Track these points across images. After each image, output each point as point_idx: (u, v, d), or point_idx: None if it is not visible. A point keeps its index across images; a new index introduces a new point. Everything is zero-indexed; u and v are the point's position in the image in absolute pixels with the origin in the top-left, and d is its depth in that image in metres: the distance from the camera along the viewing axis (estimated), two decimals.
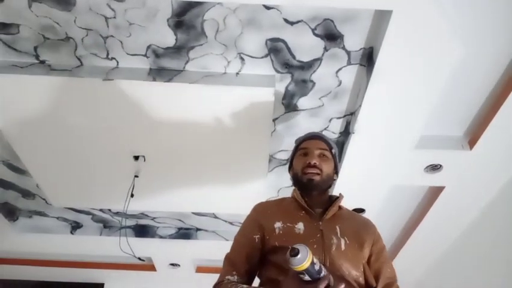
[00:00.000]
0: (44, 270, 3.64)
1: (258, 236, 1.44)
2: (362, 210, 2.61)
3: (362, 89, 1.90)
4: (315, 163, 1.51)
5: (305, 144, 1.62)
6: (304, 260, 1.07)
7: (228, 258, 1.45)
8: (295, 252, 1.07)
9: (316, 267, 1.12)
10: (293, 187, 1.61)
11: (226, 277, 1.37)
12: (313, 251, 1.20)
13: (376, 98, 1.89)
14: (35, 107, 1.99)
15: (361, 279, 1.37)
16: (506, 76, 1.86)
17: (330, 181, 1.57)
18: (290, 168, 1.69)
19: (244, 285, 1.33)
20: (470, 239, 2.81)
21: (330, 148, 1.63)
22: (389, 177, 2.38)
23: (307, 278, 1.12)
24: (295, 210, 1.49)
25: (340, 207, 1.54)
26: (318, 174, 1.50)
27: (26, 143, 2.20)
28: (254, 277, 1.44)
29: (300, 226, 1.41)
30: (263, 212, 1.52)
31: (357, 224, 1.53)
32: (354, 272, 1.35)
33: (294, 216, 1.46)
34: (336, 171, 1.63)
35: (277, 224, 1.43)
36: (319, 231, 1.40)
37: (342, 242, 1.39)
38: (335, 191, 2.41)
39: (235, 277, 1.37)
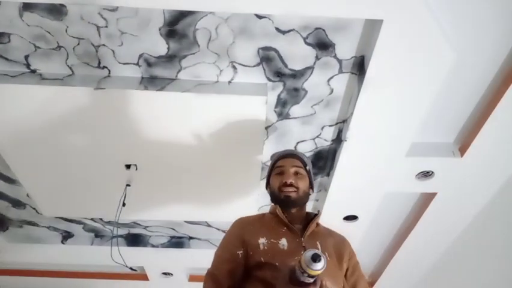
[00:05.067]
0: (35, 280, 3.59)
1: (241, 251, 1.44)
2: (354, 217, 2.62)
3: (354, 97, 1.92)
4: (291, 182, 1.58)
5: (280, 163, 1.68)
6: (323, 268, 1.12)
7: (211, 274, 1.45)
8: (319, 259, 1.11)
9: None
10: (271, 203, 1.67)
11: None
12: None
13: (367, 105, 1.90)
14: (26, 116, 1.97)
15: None
16: (496, 83, 1.88)
17: (306, 197, 1.63)
18: (267, 185, 1.74)
19: None
20: (462, 244, 2.83)
21: (305, 165, 1.69)
22: (381, 184, 2.39)
23: (308, 281, 1.16)
24: (277, 226, 1.52)
25: (317, 224, 1.60)
26: (294, 191, 1.57)
27: (16, 152, 2.18)
28: None
29: (284, 242, 1.45)
30: (245, 227, 1.54)
31: (335, 240, 1.59)
32: (336, 286, 1.40)
33: (276, 232, 1.49)
34: (311, 186, 1.69)
35: (262, 240, 1.44)
36: (302, 248, 1.43)
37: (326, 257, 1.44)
38: (327, 199, 2.42)
39: None
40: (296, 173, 1.64)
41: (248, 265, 1.42)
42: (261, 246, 1.42)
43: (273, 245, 1.43)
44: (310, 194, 1.68)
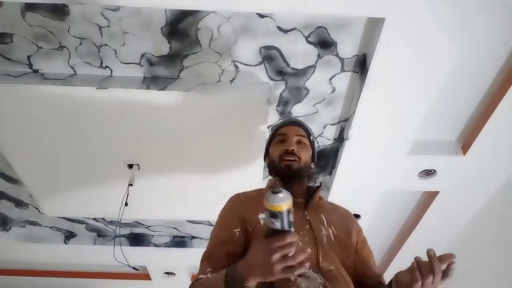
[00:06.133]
0: (37, 280, 3.60)
1: (239, 229, 1.29)
2: (357, 216, 2.61)
3: (356, 95, 1.92)
4: (293, 150, 1.45)
5: (283, 131, 1.55)
6: (284, 201, 0.97)
7: (207, 257, 1.29)
8: (277, 190, 0.97)
9: (291, 218, 1.00)
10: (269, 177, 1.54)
11: (200, 276, 1.22)
12: (304, 244, 1.16)
13: (369, 104, 1.90)
14: (29, 116, 1.98)
15: (352, 269, 1.31)
16: (498, 81, 1.88)
17: (308, 169, 1.50)
18: (266, 156, 1.62)
19: (213, 274, 1.17)
20: (464, 242, 2.82)
21: (309, 135, 1.57)
22: (383, 183, 2.39)
23: (277, 225, 0.98)
24: None
25: (320, 198, 1.47)
26: (296, 161, 1.44)
27: (19, 152, 2.19)
28: None
29: None
30: (243, 203, 1.38)
31: (340, 215, 1.48)
32: (347, 262, 1.28)
33: None
34: (313, 159, 1.57)
35: (262, 215, 1.29)
36: (307, 222, 1.32)
37: (331, 232, 1.32)
38: (330, 198, 2.42)
39: (209, 275, 1.20)
40: (299, 142, 1.50)
41: (249, 243, 1.21)
42: (262, 222, 1.27)
43: None
44: (312, 168, 1.56)
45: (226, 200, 1.46)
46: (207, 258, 1.28)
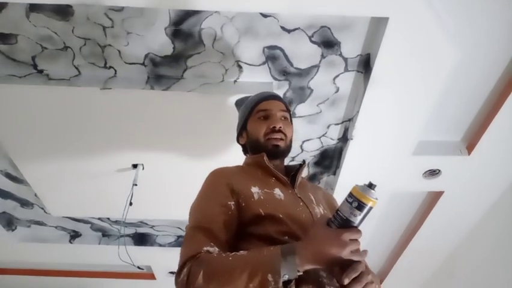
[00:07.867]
0: (42, 279, 3.62)
1: (233, 203, 1.17)
2: None
3: (360, 95, 1.91)
4: (280, 127, 1.38)
5: (265, 106, 1.46)
6: (376, 198, 0.97)
7: (199, 227, 1.12)
8: (374, 186, 0.98)
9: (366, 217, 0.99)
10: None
11: (204, 248, 1.05)
12: (304, 221, 1.15)
13: (373, 104, 1.90)
14: (33, 117, 1.99)
15: None
16: (503, 80, 1.87)
17: (291, 146, 1.45)
18: (241, 133, 1.53)
19: (242, 252, 1.02)
20: (470, 244, 2.81)
21: (289, 110, 1.52)
22: (387, 183, 2.38)
23: (357, 218, 0.97)
24: (264, 176, 1.31)
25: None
26: (282, 139, 1.39)
27: (24, 153, 2.20)
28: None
29: (278, 192, 1.23)
30: (231, 176, 1.27)
31: (323, 193, 1.47)
32: None
33: (267, 182, 1.27)
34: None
35: (254, 189, 1.20)
36: (299, 199, 1.26)
37: (322, 210, 1.29)
38: (334, 196, 2.41)
39: (215, 248, 1.06)
40: (283, 118, 1.44)
41: (242, 220, 1.15)
42: (256, 196, 1.18)
43: (268, 195, 1.20)
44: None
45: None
46: (200, 229, 1.11)
